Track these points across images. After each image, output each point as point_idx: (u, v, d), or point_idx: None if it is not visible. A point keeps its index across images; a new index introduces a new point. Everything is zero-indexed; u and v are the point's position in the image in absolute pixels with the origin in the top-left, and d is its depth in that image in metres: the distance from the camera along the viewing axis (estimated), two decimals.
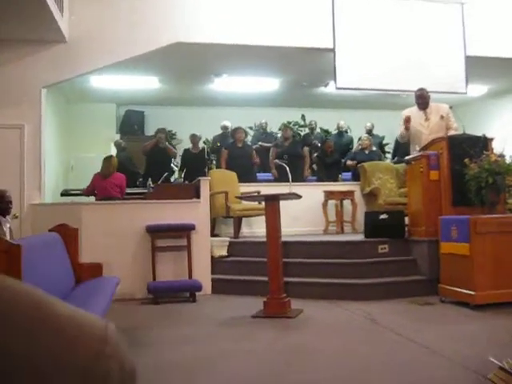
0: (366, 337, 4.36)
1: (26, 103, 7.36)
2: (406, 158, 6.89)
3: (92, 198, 7.73)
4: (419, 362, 3.63)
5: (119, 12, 7.69)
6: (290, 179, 5.74)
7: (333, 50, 8.31)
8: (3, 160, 7.21)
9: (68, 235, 4.85)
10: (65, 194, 8.98)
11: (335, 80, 8.42)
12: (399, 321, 4.88)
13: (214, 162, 10.37)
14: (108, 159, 7.67)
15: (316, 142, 10.41)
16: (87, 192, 7.69)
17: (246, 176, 8.57)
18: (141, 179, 9.13)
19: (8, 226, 5.06)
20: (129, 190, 8.03)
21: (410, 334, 4.31)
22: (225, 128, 10.22)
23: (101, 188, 7.41)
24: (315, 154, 9.92)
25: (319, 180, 9.47)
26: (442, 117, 6.85)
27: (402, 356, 3.79)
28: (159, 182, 8.05)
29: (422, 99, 7.00)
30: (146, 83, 10.37)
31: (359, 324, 4.87)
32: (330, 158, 9.63)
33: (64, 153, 10.56)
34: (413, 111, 7.05)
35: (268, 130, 11.23)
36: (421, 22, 8.76)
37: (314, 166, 10.05)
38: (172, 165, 9.69)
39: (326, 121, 11.81)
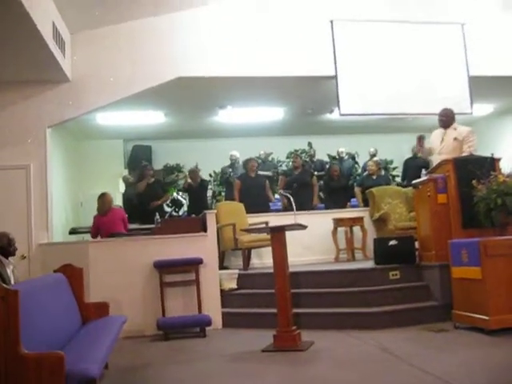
0: (379, 369, 4.24)
1: (32, 143, 7.43)
2: (413, 182, 6.82)
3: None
4: None
5: (120, 50, 7.79)
6: (295, 209, 5.68)
7: (335, 77, 8.33)
8: (10, 200, 7.26)
9: (73, 275, 4.81)
10: (73, 232, 8.99)
11: (339, 107, 8.43)
12: (412, 349, 4.76)
13: (223, 194, 10.38)
14: (101, 197, 7.74)
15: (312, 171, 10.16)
16: (93, 235, 7.74)
17: (259, 206, 8.54)
18: None
19: (11, 267, 5.04)
20: (135, 226, 8.03)
21: (422, 363, 4.19)
22: (233, 158, 10.24)
23: (104, 226, 7.43)
24: (320, 181, 9.85)
25: (327, 207, 9.40)
26: (455, 139, 6.74)
27: None
28: (166, 217, 8.04)
29: (440, 117, 6.93)
30: (151, 118, 10.45)
31: (371, 355, 4.74)
32: (337, 182, 9.56)
33: (73, 190, 10.61)
34: (437, 132, 7.01)
35: (270, 159, 11.24)
36: (422, 44, 8.79)
37: (321, 194, 9.98)
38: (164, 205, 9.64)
39: (333, 147, 11.77)
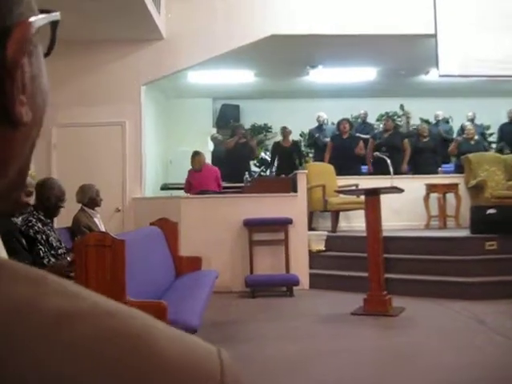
0: (473, 340, 4.09)
1: (127, 101, 7.59)
2: None
3: None
4: None
5: (214, 8, 7.74)
6: (392, 172, 5.52)
7: (434, 36, 7.92)
8: (106, 155, 7.50)
9: (168, 229, 4.92)
10: (164, 187, 9.21)
11: (438, 67, 8.03)
12: (509, 322, 4.57)
13: (311, 155, 10.25)
14: (194, 156, 7.77)
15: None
16: (186, 190, 7.85)
17: (350, 168, 8.40)
18: None
19: (98, 216, 5.23)
20: (225, 184, 8.09)
21: None
22: (321, 119, 10.07)
23: (196, 182, 7.51)
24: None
25: (412, 170, 9.05)
26: None
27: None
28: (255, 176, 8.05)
29: None
30: (241, 77, 10.41)
31: (465, 325, 4.59)
32: (424, 143, 9.10)
33: (163, 147, 10.82)
34: None
35: (367, 120, 10.92)
36: None
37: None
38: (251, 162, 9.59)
39: (425, 110, 11.32)
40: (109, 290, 2.76)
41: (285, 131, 9.38)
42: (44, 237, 3.70)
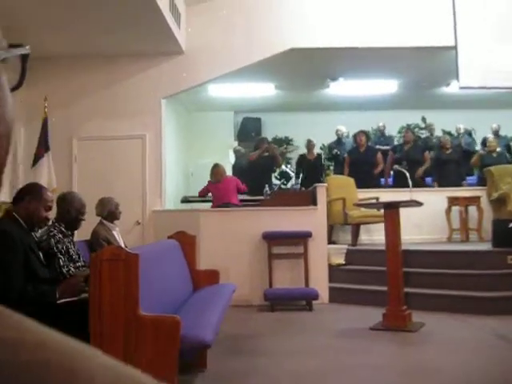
0: (495, 357, 4.02)
1: (148, 114, 7.67)
2: None
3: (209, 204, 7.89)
4: None
5: (234, 21, 7.79)
6: (411, 185, 5.47)
7: (454, 48, 7.85)
8: (127, 168, 7.57)
9: (186, 242, 4.92)
10: (184, 200, 9.25)
11: (458, 79, 7.96)
12: None
13: (332, 168, 10.22)
14: (214, 167, 7.79)
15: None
16: (200, 194, 7.90)
17: (367, 182, 8.35)
18: None
19: (117, 230, 5.27)
20: (245, 197, 8.10)
21: None
22: (340, 133, 10.05)
23: (217, 195, 7.52)
24: (430, 154, 9.28)
25: (436, 181, 8.96)
26: None
27: None
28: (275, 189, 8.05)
29: None
30: (262, 90, 10.45)
31: (486, 342, 4.50)
32: (448, 155, 9.00)
33: (184, 160, 10.90)
34: None
35: (386, 133, 10.87)
36: None
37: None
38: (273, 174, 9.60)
39: (447, 122, 11.22)
40: (122, 304, 2.77)
41: (310, 144, 9.40)
42: (64, 247, 3.76)
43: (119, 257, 2.79)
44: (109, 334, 2.79)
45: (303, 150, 9.90)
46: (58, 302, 3.10)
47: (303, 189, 8.48)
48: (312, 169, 9.13)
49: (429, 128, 10.96)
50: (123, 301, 2.78)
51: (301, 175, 9.29)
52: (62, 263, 3.66)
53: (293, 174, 9.44)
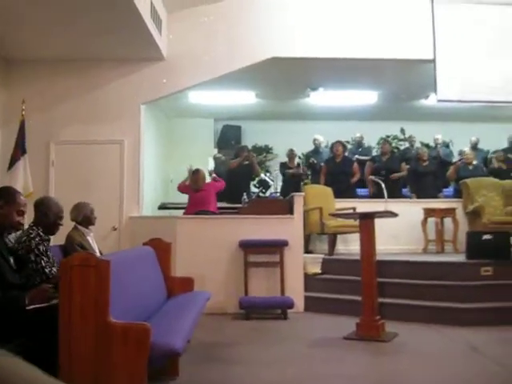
0: (466, 369, 4.04)
1: (126, 119, 7.65)
2: None
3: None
4: None
5: (216, 29, 7.81)
6: (386, 196, 5.51)
7: (433, 61, 7.95)
8: (104, 174, 7.53)
9: (161, 249, 4.89)
10: (162, 207, 9.20)
11: (436, 92, 8.06)
12: (505, 351, 4.51)
13: (309, 178, 10.26)
14: (195, 173, 7.74)
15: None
16: (182, 189, 7.88)
17: (344, 192, 8.39)
18: None
19: (92, 235, 5.23)
20: (223, 205, 8.10)
21: None
22: (317, 143, 10.12)
23: (195, 202, 7.48)
24: (407, 166, 9.35)
25: (413, 192, 9.04)
26: None
27: None
28: (253, 197, 8.05)
29: None
30: (242, 98, 10.46)
31: (458, 352, 4.54)
32: (424, 167, 9.08)
33: (163, 167, 10.86)
34: None
35: (365, 144, 10.94)
36: None
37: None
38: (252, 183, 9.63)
39: (426, 134, 11.34)
40: (92, 311, 2.75)
41: (291, 153, 9.44)
42: (45, 249, 3.75)
43: (90, 263, 2.77)
44: (78, 341, 2.76)
45: (283, 159, 9.94)
46: (28, 308, 3.06)
47: (281, 197, 8.50)
48: (292, 178, 9.15)
49: (409, 140, 11.06)
50: (93, 307, 2.75)
51: (280, 184, 9.31)
52: (44, 264, 3.67)
53: (272, 183, 9.46)
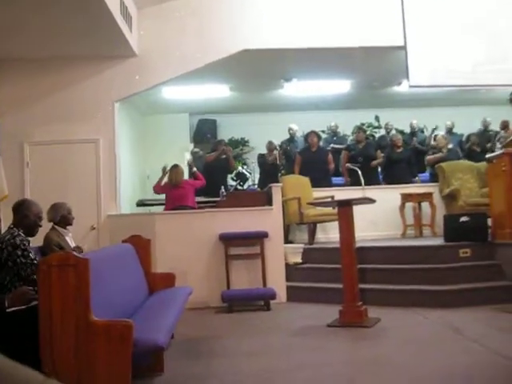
0: (449, 349, 4.09)
1: (101, 118, 7.58)
2: (488, 156, 6.54)
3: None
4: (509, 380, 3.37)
5: (186, 24, 7.78)
6: (363, 183, 5.56)
7: (404, 48, 8.01)
8: (80, 174, 7.46)
9: (141, 246, 4.87)
10: (140, 204, 9.17)
11: (408, 78, 8.12)
12: (484, 330, 4.58)
13: (284, 167, 10.29)
14: (173, 168, 7.72)
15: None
16: (158, 190, 7.85)
17: (320, 181, 8.42)
18: None
19: (70, 235, 5.20)
20: (202, 199, 8.09)
21: (496, 345, 4.02)
22: (292, 132, 10.16)
23: (173, 197, 7.46)
24: (382, 154, 9.41)
25: (387, 179, 9.12)
26: None
27: (488, 372, 3.52)
28: (231, 190, 8.06)
29: None
30: (216, 92, 10.45)
31: (441, 334, 4.60)
32: (398, 154, 9.16)
33: (139, 163, 10.80)
34: None
35: (341, 132, 10.99)
36: (498, 12, 8.27)
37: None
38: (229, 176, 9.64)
39: (401, 121, 11.43)
40: (73, 310, 2.73)
41: (270, 146, 9.45)
42: (27, 244, 3.73)
43: (68, 262, 2.75)
44: (60, 341, 2.74)
45: (259, 151, 9.94)
46: (8, 310, 3.03)
47: (259, 189, 8.52)
48: (271, 170, 9.18)
49: (386, 127, 11.12)
50: (74, 306, 2.73)
51: (258, 176, 9.32)
52: (32, 256, 3.66)
53: (249, 175, 9.47)
